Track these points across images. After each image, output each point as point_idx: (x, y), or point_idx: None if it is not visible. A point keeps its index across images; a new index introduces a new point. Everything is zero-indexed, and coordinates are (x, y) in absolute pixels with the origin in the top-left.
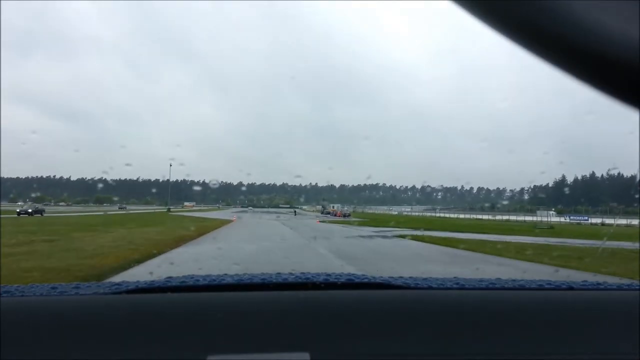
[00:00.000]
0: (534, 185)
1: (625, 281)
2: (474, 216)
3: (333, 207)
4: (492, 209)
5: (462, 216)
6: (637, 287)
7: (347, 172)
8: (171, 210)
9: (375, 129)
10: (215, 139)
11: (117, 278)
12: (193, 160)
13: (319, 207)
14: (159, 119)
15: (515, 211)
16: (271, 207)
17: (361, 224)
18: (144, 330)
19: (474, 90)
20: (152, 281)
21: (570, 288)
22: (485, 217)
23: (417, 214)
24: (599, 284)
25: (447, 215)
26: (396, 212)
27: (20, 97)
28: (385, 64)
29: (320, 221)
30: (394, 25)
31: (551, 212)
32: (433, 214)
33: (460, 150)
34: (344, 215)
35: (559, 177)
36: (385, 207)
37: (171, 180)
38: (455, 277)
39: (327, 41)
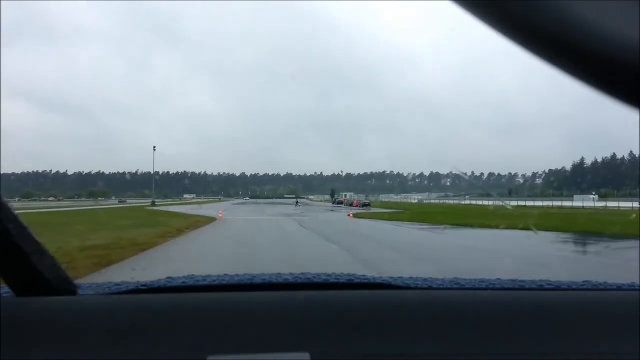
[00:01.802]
0: (549, 169)
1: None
2: (510, 203)
3: (345, 196)
4: (510, 194)
5: (499, 203)
6: (637, 287)
7: (352, 161)
8: (156, 203)
9: (379, 117)
10: (216, 130)
11: None
12: (193, 151)
13: (327, 197)
14: (158, 110)
15: (536, 196)
16: (276, 198)
17: (410, 218)
18: (144, 331)
19: (479, 76)
20: (152, 281)
21: (570, 288)
22: (526, 204)
23: (435, 201)
24: (599, 284)
25: (477, 202)
26: (416, 200)
27: (11, 89)
28: (387, 51)
29: (353, 215)
30: (394, 11)
31: (592, 196)
32: (458, 202)
33: (465, 136)
34: (363, 205)
35: (576, 159)
36: (399, 196)
37: (171, 172)
38: (455, 278)
39: (328, 29)
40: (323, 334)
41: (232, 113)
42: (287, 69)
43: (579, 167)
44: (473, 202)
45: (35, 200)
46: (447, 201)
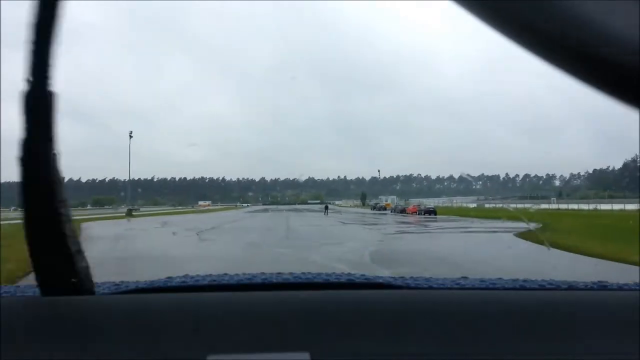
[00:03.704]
0: (594, 169)
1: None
2: (594, 207)
3: (386, 200)
4: (560, 196)
5: (583, 207)
6: (638, 287)
7: (376, 165)
8: (134, 214)
9: (402, 119)
10: (233, 135)
11: None
12: (211, 156)
13: (357, 202)
14: (174, 116)
15: (587, 198)
16: (298, 204)
17: None
18: (144, 331)
19: (503, 71)
20: (152, 281)
21: (571, 288)
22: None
23: (492, 205)
24: (600, 284)
25: (560, 207)
26: (474, 205)
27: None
28: (405, 51)
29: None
30: (414, 9)
31: None
32: (525, 206)
33: (494, 137)
34: (426, 213)
35: (628, 157)
36: (436, 200)
37: (188, 178)
38: (456, 278)
39: (344, 29)
40: (323, 334)
41: (250, 117)
42: (303, 74)
43: (631, 165)
44: (561, 206)
45: None
46: (504, 205)
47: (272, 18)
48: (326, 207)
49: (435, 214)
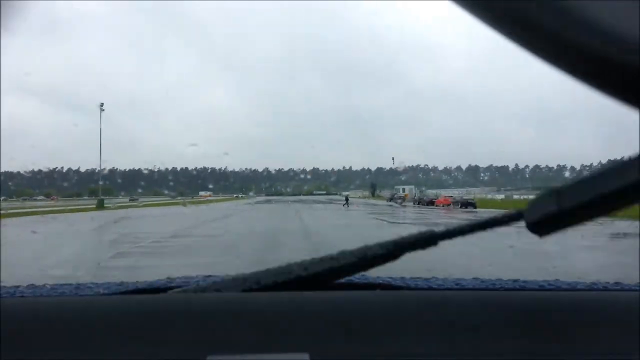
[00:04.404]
0: (608, 160)
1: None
2: None
3: (404, 190)
4: None
5: None
6: (637, 288)
7: (380, 155)
8: (105, 205)
9: (406, 110)
10: (236, 126)
11: None
12: (213, 148)
13: (366, 193)
14: (175, 107)
15: None
16: (303, 195)
17: None
18: (144, 331)
19: (509, 62)
20: (152, 281)
21: (571, 289)
22: None
23: (519, 196)
24: (599, 284)
25: None
26: (502, 197)
27: (21, 86)
28: (410, 43)
29: None
30: (416, 1)
31: None
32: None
33: (499, 126)
34: (464, 205)
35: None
36: (447, 190)
37: (189, 168)
38: (456, 278)
39: (349, 21)
40: (322, 335)
41: (253, 108)
42: (307, 65)
43: None
44: None
45: (26, 200)
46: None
47: (276, 10)
48: (346, 199)
49: (475, 207)
